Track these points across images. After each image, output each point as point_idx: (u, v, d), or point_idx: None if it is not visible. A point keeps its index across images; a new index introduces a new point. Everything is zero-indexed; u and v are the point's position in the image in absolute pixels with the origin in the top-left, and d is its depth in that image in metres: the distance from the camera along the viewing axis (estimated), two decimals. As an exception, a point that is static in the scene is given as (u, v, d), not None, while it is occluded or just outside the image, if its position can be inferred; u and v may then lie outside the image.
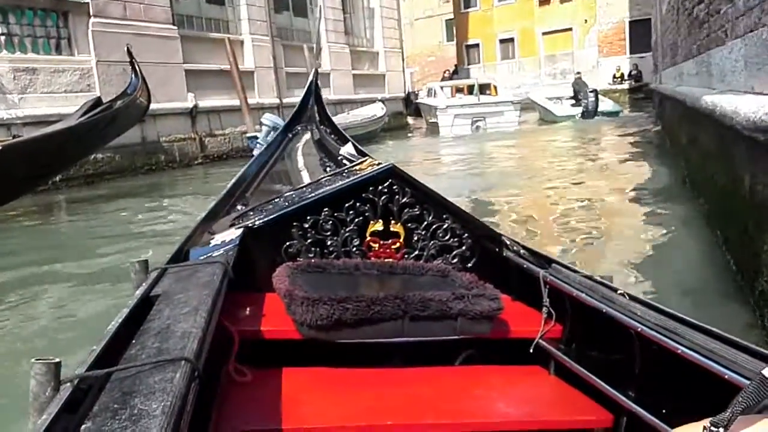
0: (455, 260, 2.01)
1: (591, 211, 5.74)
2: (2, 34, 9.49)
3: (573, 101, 20.71)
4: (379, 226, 1.96)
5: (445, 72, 30.95)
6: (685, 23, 7.30)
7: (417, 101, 23.65)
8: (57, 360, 0.92)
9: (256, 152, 13.03)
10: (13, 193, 6.95)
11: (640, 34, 28.70)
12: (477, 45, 33.47)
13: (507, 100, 18.71)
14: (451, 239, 2.01)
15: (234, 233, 1.87)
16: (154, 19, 12.03)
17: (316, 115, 4.32)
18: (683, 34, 7.72)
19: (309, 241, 1.92)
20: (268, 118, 13.65)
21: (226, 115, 13.86)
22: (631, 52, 29.12)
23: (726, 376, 1.08)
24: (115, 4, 11.25)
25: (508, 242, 2.02)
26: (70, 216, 7.83)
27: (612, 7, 29.09)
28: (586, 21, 29.97)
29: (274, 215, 1.93)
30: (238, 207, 2.60)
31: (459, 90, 21.68)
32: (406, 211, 1.97)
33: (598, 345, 1.59)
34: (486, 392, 1.55)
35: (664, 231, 4.60)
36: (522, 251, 1.96)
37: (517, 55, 31.87)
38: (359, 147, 3.37)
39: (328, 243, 1.94)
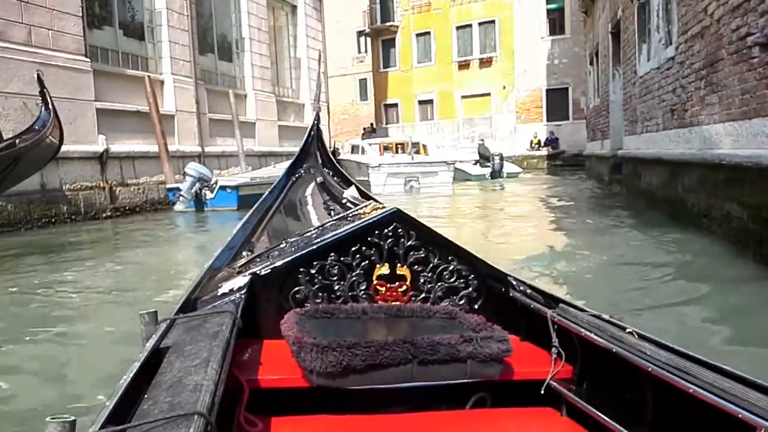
0: (462, 302, 2.00)
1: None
2: None
3: (480, 163, 22.83)
4: (385, 269, 1.95)
5: (364, 130, 30.31)
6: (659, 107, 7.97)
7: (340, 158, 22.68)
8: (72, 418, 0.94)
9: (178, 207, 11.62)
10: None
11: (556, 102, 29.37)
12: (396, 105, 33.20)
13: (441, 160, 18.03)
14: (458, 281, 2.00)
15: (241, 281, 1.84)
16: (63, 49, 10.36)
17: (319, 158, 4.27)
18: (661, 115, 7.94)
19: (316, 286, 1.91)
20: (194, 168, 12.12)
21: (141, 162, 12.17)
22: (547, 120, 29.60)
23: (740, 416, 1.07)
24: (19, 28, 9.54)
25: (514, 282, 1.98)
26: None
27: (529, 75, 29.59)
28: (504, 87, 30.33)
29: (281, 262, 1.91)
30: (244, 253, 2.55)
31: (386, 148, 20.98)
32: (411, 253, 1.96)
33: (609, 385, 1.54)
34: None
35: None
36: (529, 291, 1.93)
37: (436, 116, 31.76)
38: (363, 190, 3.35)
39: (335, 288, 1.92)
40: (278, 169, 15.27)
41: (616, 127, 12.63)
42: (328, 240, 1.94)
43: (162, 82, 13.30)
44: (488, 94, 30.53)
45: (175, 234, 9.70)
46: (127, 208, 11.63)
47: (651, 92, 8.46)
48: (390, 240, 1.95)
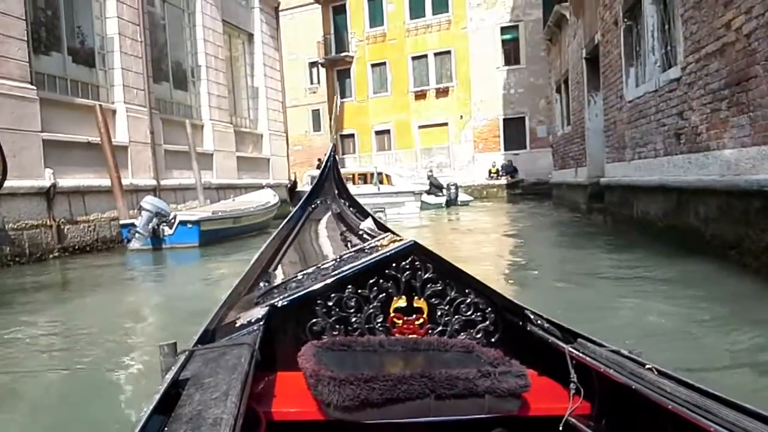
0: (479, 335, 1.96)
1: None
2: None
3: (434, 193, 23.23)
4: (402, 302, 1.93)
5: (318, 161, 29.67)
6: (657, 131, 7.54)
7: (298, 190, 21.96)
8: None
9: (133, 245, 10.64)
10: None
11: (513, 131, 29.38)
12: (352, 135, 32.67)
13: (407, 190, 17.58)
14: (475, 314, 1.97)
15: (259, 312, 1.84)
16: (7, 75, 9.42)
17: (335, 188, 4.34)
18: (661, 140, 7.56)
19: (333, 318, 1.89)
20: (150, 203, 11.14)
21: (92, 197, 11.20)
22: (505, 149, 29.53)
23: None
24: (-45, 50, 8.62)
25: (531, 316, 1.91)
26: None
27: (486, 105, 29.56)
28: (461, 117, 30.19)
29: (299, 293, 1.90)
30: (261, 284, 2.55)
31: (348, 179, 20.40)
32: (428, 286, 1.94)
33: (628, 422, 1.51)
34: None
35: None
36: (546, 325, 1.87)
37: (393, 146, 31.34)
38: (379, 221, 3.32)
39: (353, 320, 1.91)
40: (240, 203, 14.53)
41: (593, 155, 12.29)
42: (346, 272, 1.92)
43: (114, 112, 12.40)
44: (445, 124, 30.31)
45: (130, 276, 8.75)
46: (76, 247, 10.62)
47: (646, 117, 8.06)
48: (407, 272, 1.93)
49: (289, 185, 21.14)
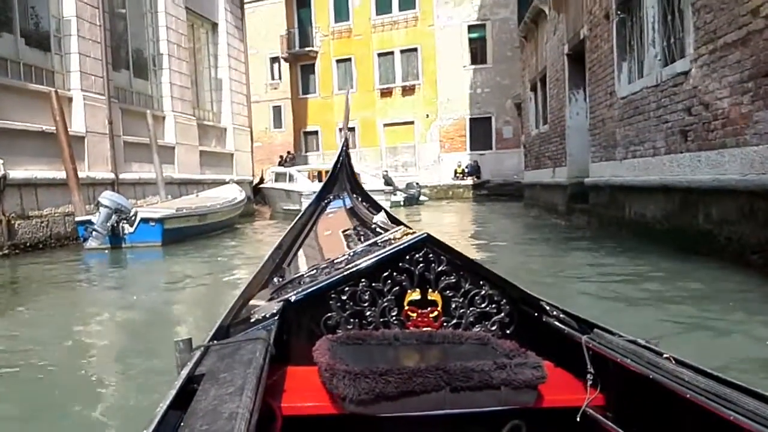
0: (494, 327, 1.95)
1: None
2: None
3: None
4: (416, 295, 1.92)
5: (285, 156, 29.00)
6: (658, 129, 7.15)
7: (263, 186, 21.26)
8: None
9: (90, 243, 9.81)
10: None
11: (480, 131, 29.14)
12: (316, 132, 32.02)
13: (377, 188, 17.02)
14: (489, 306, 1.95)
15: (273, 307, 1.83)
16: (-49, 54, 8.59)
17: (348, 183, 4.33)
18: (663, 138, 7.17)
19: (347, 312, 1.89)
20: (109, 198, 10.32)
21: (45, 190, 10.37)
22: (471, 149, 29.28)
23: None
24: None
25: (547, 307, 1.90)
26: None
27: (452, 104, 29.26)
28: (427, 116, 29.84)
29: (313, 288, 1.90)
30: (275, 279, 2.52)
31: (314, 176, 19.82)
32: (442, 279, 1.93)
33: (646, 412, 1.48)
34: None
35: None
36: (562, 315, 1.85)
37: (358, 144, 30.73)
38: (392, 215, 3.33)
39: (367, 314, 1.91)
40: (204, 199, 13.78)
41: (574, 154, 11.97)
42: (359, 266, 1.92)
43: (70, 99, 11.55)
44: (411, 123, 29.92)
45: (84, 278, 7.95)
46: (28, 244, 9.79)
47: (643, 113, 7.70)
48: (421, 265, 1.93)
49: (253, 181, 20.41)
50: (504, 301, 1.95)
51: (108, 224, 10.02)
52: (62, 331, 4.64)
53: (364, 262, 1.92)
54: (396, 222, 3.09)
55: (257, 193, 20.67)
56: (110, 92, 12.56)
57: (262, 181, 21.82)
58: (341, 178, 4.39)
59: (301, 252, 3.15)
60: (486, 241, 10.34)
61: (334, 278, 1.90)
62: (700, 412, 1.23)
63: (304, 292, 1.89)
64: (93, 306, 6.05)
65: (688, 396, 1.26)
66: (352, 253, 2.19)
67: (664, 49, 7.29)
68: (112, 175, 12.32)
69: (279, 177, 19.98)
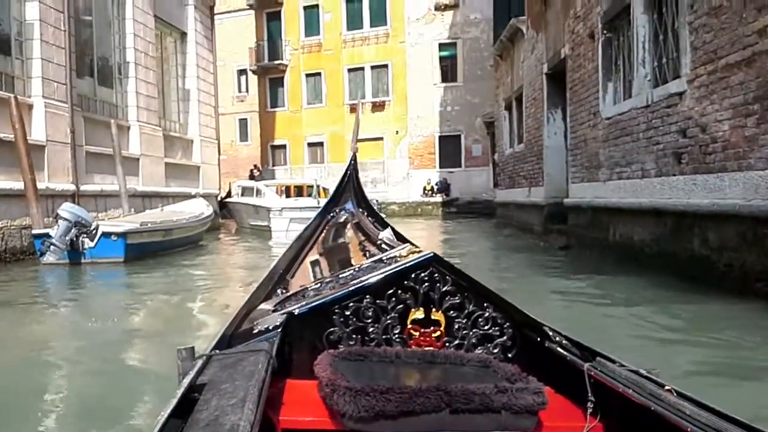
0: (496, 350, 1.91)
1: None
2: None
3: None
4: (419, 314, 1.89)
5: (254, 170, 28.47)
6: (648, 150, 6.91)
7: (229, 200, 20.72)
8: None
9: (47, 258, 9.20)
10: None
11: (449, 149, 29.08)
12: (284, 146, 31.56)
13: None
14: (492, 328, 1.92)
15: (277, 319, 1.81)
16: None
17: (354, 197, 4.29)
18: (653, 159, 7.00)
19: (350, 328, 1.86)
20: (69, 210, 9.74)
21: (1, 202, 9.79)
22: (440, 166, 29.19)
23: None
24: None
25: (550, 332, 1.86)
26: None
27: (422, 121, 29.18)
28: (397, 132, 29.69)
29: (316, 302, 1.87)
30: (278, 291, 2.54)
31: (282, 191, 19.38)
32: (447, 299, 1.90)
33: None
34: None
35: None
36: (564, 342, 1.82)
37: (327, 159, 30.41)
38: (398, 232, 3.23)
39: (369, 330, 1.87)
40: (170, 213, 13.24)
41: (552, 174, 11.80)
42: (364, 282, 1.88)
43: (31, 106, 10.97)
44: (381, 139, 29.69)
45: (38, 296, 7.41)
46: (-20, 259, 9.19)
47: (631, 134, 7.52)
48: (426, 284, 1.89)
49: (219, 195, 19.86)
50: (507, 324, 1.92)
51: (67, 238, 9.48)
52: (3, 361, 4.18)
53: (369, 279, 1.89)
54: (402, 239, 3.04)
55: (223, 207, 20.12)
56: (73, 100, 12.03)
57: (229, 194, 21.25)
58: (348, 191, 4.35)
59: (305, 264, 3.14)
60: (467, 264, 10.07)
61: (338, 293, 1.88)
62: None
63: (308, 306, 1.87)
64: (44, 330, 5.52)
65: (688, 430, 1.24)
66: (357, 269, 2.17)
67: (655, 69, 7.13)
68: (72, 187, 11.74)
69: (246, 191, 19.47)
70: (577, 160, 9.90)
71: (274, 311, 1.98)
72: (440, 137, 29.20)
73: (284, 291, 2.49)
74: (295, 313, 1.84)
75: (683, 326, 4.62)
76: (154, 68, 15.62)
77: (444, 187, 28.44)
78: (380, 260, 2.18)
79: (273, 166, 31.52)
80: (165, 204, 14.84)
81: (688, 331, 4.43)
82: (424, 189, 28.69)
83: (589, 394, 1.60)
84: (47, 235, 9.49)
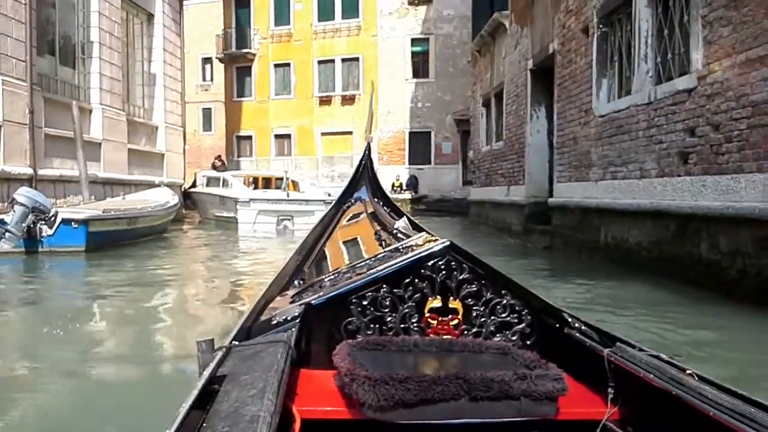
0: (515, 337, 1.91)
1: None
2: None
3: None
4: (437, 302, 1.89)
5: (216, 161, 27.66)
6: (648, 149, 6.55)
7: (194, 190, 20.01)
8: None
9: (2, 246, 8.47)
10: None
11: (419, 146, 28.76)
12: (250, 137, 30.82)
13: (318, 198, 16.15)
14: (511, 315, 1.92)
15: (295, 310, 1.80)
16: None
17: (369, 187, 4.22)
18: (654, 159, 6.77)
19: (368, 317, 1.87)
20: (26, 195, 9.05)
21: (-50, 184, 9.08)
22: (410, 163, 28.84)
23: None
24: None
25: (569, 319, 1.86)
26: None
27: (393, 116, 28.76)
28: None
29: (334, 292, 1.88)
30: (296, 282, 2.57)
31: (250, 183, 18.76)
32: (464, 287, 1.90)
33: (667, 428, 1.45)
34: None
35: None
36: (584, 328, 1.82)
37: (294, 152, 29.80)
38: (414, 221, 3.11)
39: (387, 320, 1.88)
40: (133, 202, 12.59)
41: (534, 173, 11.51)
42: (381, 272, 1.88)
43: (-15, 83, 10.24)
44: (350, 133, 29.14)
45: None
46: (-73, 246, 8.47)
47: (629, 133, 7.23)
48: (443, 273, 1.89)
49: (184, 185, 19.14)
50: (525, 311, 1.92)
51: (24, 225, 8.84)
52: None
53: (385, 268, 1.89)
54: (417, 228, 2.94)
55: (187, 197, 19.42)
56: (33, 79, 11.28)
57: (194, 185, 20.53)
58: (363, 181, 4.30)
59: (322, 255, 3.13)
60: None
61: (355, 283, 1.87)
62: (723, 430, 1.20)
63: (326, 296, 1.87)
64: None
65: (711, 414, 1.23)
66: (373, 258, 2.17)
67: (658, 65, 6.85)
68: (30, 170, 11.00)
69: (212, 181, 18.81)
70: (564, 158, 9.61)
71: (291, 302, 1.97)
72: (410, 133, 28.85)
73: (301, 282, 2.52)
74: (313, 304, 1.84)
75: (706, 338, 4.31)
76: (119, 50, 14.87)
77: (413, 184, 28.12)
78: (396, 249, 2.16)
79: (238, 157, 30.77)
80: (127, 192, 14.20)
81: (717, 345, 4.12)
82: (393, 185, 28.28)
83: (610, 380, 1.59)
84: (2, 222, 8.86)
